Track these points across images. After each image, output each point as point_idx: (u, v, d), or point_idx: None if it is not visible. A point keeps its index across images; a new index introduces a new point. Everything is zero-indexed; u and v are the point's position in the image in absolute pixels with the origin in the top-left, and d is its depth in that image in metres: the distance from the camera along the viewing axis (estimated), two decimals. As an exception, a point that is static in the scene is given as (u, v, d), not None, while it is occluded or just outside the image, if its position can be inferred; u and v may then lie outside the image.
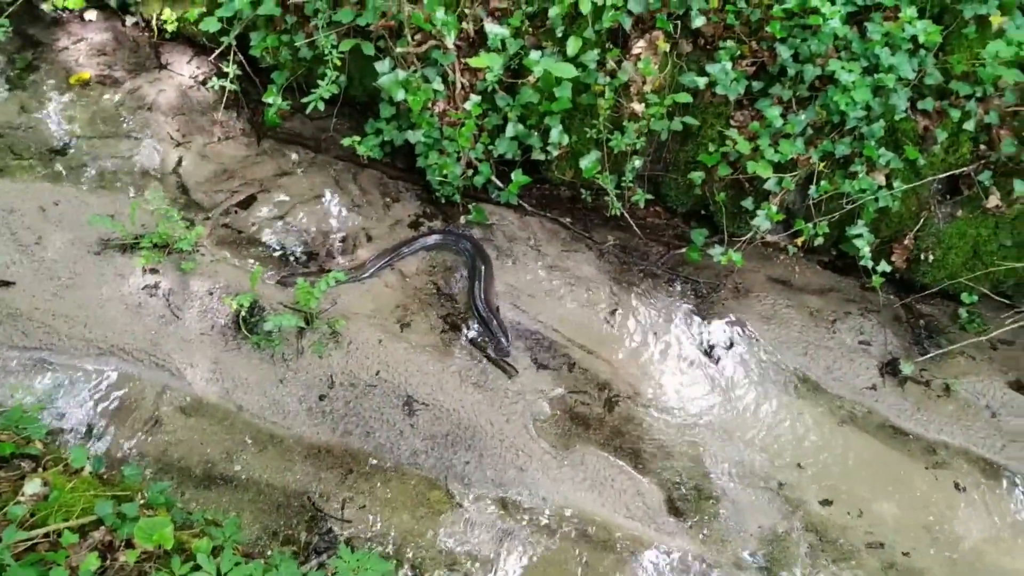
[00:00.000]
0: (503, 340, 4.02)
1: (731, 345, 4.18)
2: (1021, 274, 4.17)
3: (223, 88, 4.79)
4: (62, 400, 3.66)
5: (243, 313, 3.94)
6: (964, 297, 4.24)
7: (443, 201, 4.59)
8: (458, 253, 4.41)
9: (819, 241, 4.27)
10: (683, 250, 4.47)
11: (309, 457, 3.61)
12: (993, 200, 4.12)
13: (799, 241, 4.30)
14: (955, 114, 4.01)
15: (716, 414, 3.94)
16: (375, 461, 3.62)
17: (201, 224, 4.35)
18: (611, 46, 4.23)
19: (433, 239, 4.42)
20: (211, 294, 4.06)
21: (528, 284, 4.31)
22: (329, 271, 4.10)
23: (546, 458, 3.71)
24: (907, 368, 4.10)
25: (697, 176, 4.30)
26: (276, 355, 3.88)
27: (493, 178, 4.51)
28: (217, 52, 4.81)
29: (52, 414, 3.61)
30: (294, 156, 4.83)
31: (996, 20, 3.91)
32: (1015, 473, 3.87)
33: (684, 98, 4.09)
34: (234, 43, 4.74)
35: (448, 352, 4.01)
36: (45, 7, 5.41)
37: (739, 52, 4.15)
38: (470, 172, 4.47)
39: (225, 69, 4.76)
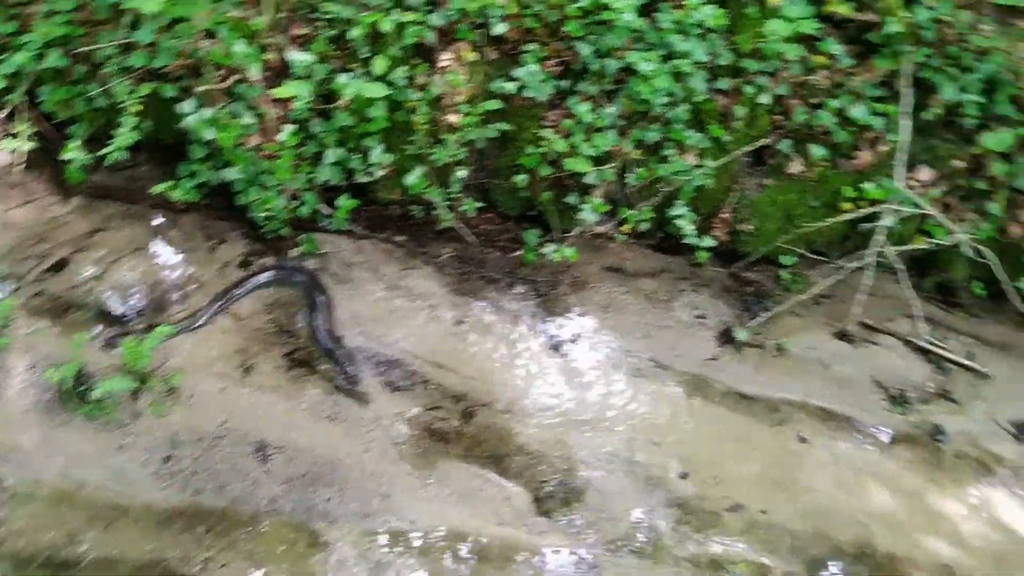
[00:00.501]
0: (351, 369, 3.95)
1: (576, 338, 4.27)
2: (830, 231, 4.44)
3: (15, 150, 4.49)
4: None
5: (68, 384, 3.70)
6: (783, 260, 4.50)
7: (271, 236, 4.48)
8: (294, 287, 4.31)
9: (645, 226, 4.43)
10: (519, 252, 4.53)
11: (161, 523, 3.44)
12: (795, 166, 4.39)
13: (626, 229, 4.44)
14: (749, 90, 4.25)
15: (571, 407, 4.01)
16: (232, 515, 3.48)
17: (11, 296, 4.06)
18: (419, 61, 4.24)
19: (265, 276, 4.30)
20: (32, 368, 3.80)
21: (370, 308, 4.26)
22: (158, 326, 3.91)
23: (410, 480, 3.67)
24: (741, 335, 4.31)
25: (521, 179, 4.37)
26: (111, 422, 3.68)
27: (320, 206, 4.43)
28: (6, 112, 4.51)
29: None
30: (107, 210, 4.59)
31: (773, 0, 4.16)
32: (850, 417, 4.13)
33: (494, 105, 4.15)
34: (25, 100, 4.46)
35: (297, 390, 3.91)
36: None
37: (543, 54, 4.24)
38: (295, 203, 4.38)
39: (16, 129, 4.46)
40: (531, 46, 4.22)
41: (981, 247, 4.19)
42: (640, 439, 3.93)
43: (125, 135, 4.22)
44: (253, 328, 4.12)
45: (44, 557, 3.31)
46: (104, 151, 4.23)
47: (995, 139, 4.29)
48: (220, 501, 3.50)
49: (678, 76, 4.14)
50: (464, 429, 3.88)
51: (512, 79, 4.21)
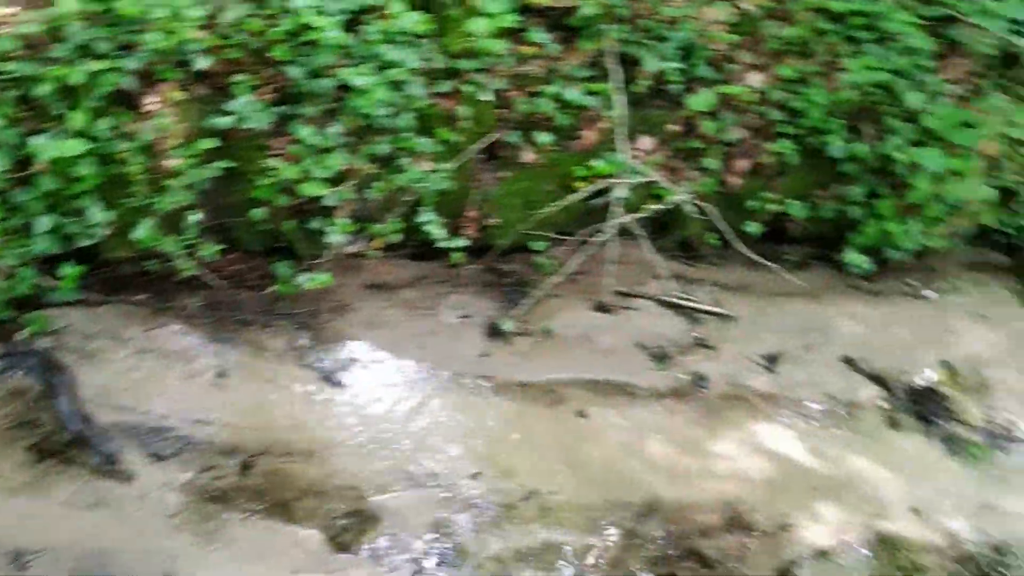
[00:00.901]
0: (106, 449, 3.67)
1: (348, 363, 4.19)
2: (571, 210, 4.61)
3: None
4: None
5: None
6: (534, 246, 4.63)
7: (-8, 323, 4.07)
8: (28, 373, 3.94)
9: (396, 238, 4.41)
10: (273, 288, 4.38)
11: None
12: (526, 155, 4.53)
13: (377, 244, 4.40)
14: (469, 89, 4.33)
15: (353, 435, 3.93)
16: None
17: None
18: (122, 109, 3.98)
19: (-9, 368, 3.91)
20: None
21: (119, 378, 3.96)
22: None
23: (193, 551, 3.46)
24: (507, 326, 4.41)
25: (259, 213, 4.22)
26: None
27: (41, 280, 4.06)
28: None
29: None
30: None
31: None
32: (620, 383, 4.32)
33: (212, 143, 3.98)
34: None
35: (49, 484, 3.58)
36: None
37: (255, 82, 4.10)
38: (10, 283, 3.98)
39: None
40: (241, 76, 4.06)
41: (701, 203, 4.51)
42: (427, 450, 3.92)
43: None
44: (-13, 427, 3.73)
45: None
46: None
47: (699, 100, 4.62)
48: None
49: (395, 86, 4.14)
50: (244, 483, 3.70)
51: (227, 113, 4.04)
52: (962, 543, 3.89)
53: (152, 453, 3.73)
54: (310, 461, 3.81)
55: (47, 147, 3.76)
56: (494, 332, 4.41)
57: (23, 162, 3.89)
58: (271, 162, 4.13)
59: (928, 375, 4.60)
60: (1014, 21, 5.05)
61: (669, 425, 4.22)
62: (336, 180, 4.21)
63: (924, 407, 4.44)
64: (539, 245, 4.62)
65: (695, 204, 4.49)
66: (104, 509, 3.52)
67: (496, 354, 4.33)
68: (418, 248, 4.68)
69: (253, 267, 4.52)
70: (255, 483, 3.70)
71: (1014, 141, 4.84)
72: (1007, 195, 5.05)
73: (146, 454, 3.72)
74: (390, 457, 3.87)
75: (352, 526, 3.63)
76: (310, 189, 4.11)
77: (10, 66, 3.88)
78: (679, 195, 4.47)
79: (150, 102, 4.06)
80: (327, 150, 4.16)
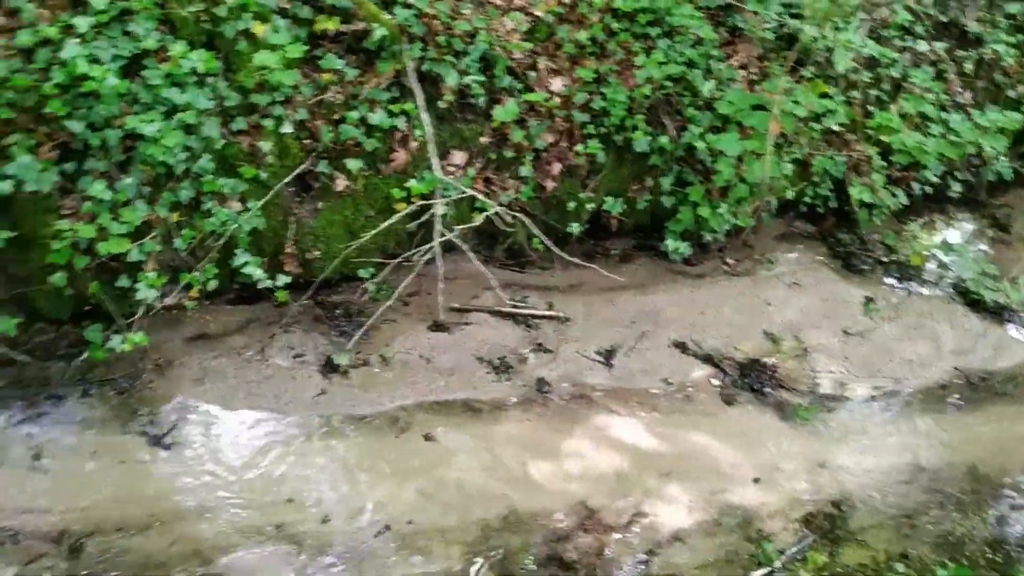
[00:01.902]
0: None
1: (175, 424, 3.98)
2: (395, 233, 4.57)
3: None
4: None
5: None
6: (362, 273, 4.55)
7: None
8: None
9: (214, 284, 4.21)
10: (86, 356, 4.10)
11: None
12: (341, 183, 4.44)
13: (194, 293, 4.20)
14: (268, 123, 4.20)
15: (191, 497, 3.73)
16: None
17: None
18: None
19: None
20: None
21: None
22: None
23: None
24: (343, 359, 4.30)
25: (58, 278, 3.93)
26: None
27: None
28: None
29: None
30: None
31: (259, 30, 4.13)
32: (465, 400, 4.31)
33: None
34: None
35: None
36: None
37: (34, 141, 3.83)
38: None
39: None
40: (16, 136, 3.78)
41: (516, 212, 4.56)
42: (271, 501, 3.77)
43: None
44: None
45: None
46: None
47: (505, 111, 4.67)
48: None
49: (188, 129, 3.96)
50: (75, 570, 3.44)
51: (5, 177, 3.75)
52: (803, 504, 4.10)
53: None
54: (147, 533, 3.58)
55: None
56: (330, 367, 4.30)
57: None
58: (63, 223, 3.87)
59: (752, 347, 4.82)
60: (786, 5, 5.38)
61: (518, 434, 4.23)
62: (139, 233, 4.00)
63: (753, 379, 4.65)
64: (365, 272, 4.54)
65: (510, 213, 4.53)
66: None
67: (334, 390, 4.22)
68: (240, 292, 4.51)
69: (62, 335, 4.22)
70: (88, 565, 3.45)
71: (801, 118, 5.15)
72: (803, 168, 5.38)
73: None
74: (233, 514, 3.69)
75: (204, 588, 3.45)
76: (110, 247, 3.89)
77: None
78: (493, 206, 4.50)
79: (-85, 175, 3.72)
80: (124, 203, 3.95)
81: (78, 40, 3.82)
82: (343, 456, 3.98)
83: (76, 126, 3.81)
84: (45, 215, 3.92)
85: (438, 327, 4.61)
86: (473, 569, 3.64)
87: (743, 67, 5.31)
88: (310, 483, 3.86)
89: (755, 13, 5.32)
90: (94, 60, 3.83)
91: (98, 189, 3.86)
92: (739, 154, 4.89)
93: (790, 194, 5.39)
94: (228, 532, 3.64)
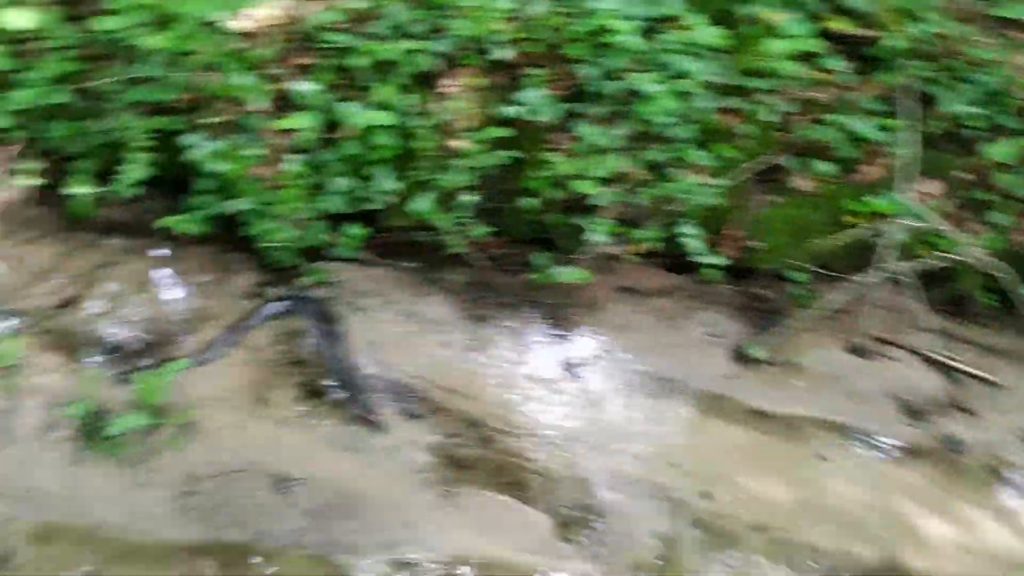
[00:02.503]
0: (366, 398, 3.94)
1: (590, 360, 4.26)
2: (839, 245, 4.45)
3: (21, 187, 4.48)
4: None
5: (83, 422, 3.68)
6: (794, 276, 4.50)
7: (280, 267, 4.46)
8: (306, 317, 4.30)
9: (655, 246, 4.42)
10: (531, 276, 4.52)
11: (183, 561, 3.41)
12: (803, 182, 4.41)
13: (636, 249, 4.44)
14: (754, 108, 4.28)
15: (588, 430, 4.00)
16: (256, 550, 3.45)
17: (21, 336, 4.04)
18: (422, 88, 4.25)
19: (276, 307, 4.29)
20: (46, 407, 3.77)
21: (383, 336, 4.24)
22: (171, 360, 3.90)
23: (431, 509, 3.65)
24: (755, 352, 4.32)
25: (530, 202, 4.37)
26: (129, 459, 3.65)
27: (328, 236, 4.43)
28: (11, 149, 4.50)
29: None
30: (115, 245, 4.56)
31: (773, 18, 4.20)
32: (867, 431, 4.13)
33: (501, 132, 4.16)
34: (31, 136, 4.45)
35: (313, 421, 3.89)
36: None
37: (548, 77, 4.26)
38: (302, 234, 4.37)
39: (23, 166, 4.45)
40: (535, 70, 4.23)
41: (995, 259, 4.21)
42: (659, 459, 3.92)
43: (132, 169, 4.22)
44: (266, 360, 4.10)
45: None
46: (111, 186, 4.23)
47: (999, 150, 4.32)
48: (243, 535, 3.48)
49: (683, 96, 4.16)
50: (484, 455, 3.86)
51: (517, 103, 4.22)
52: None
53: (404, 410, 3.97)
54: (547, 447, 3.91)
55: (357, 115, 4.09)
56: (740, 356, 4.34)
57: (331, 126, 4.27)
58: (550, 156, 4.27)
59: None
60: None
61: (914, 485, 3.98)
62: (609, 181, 4.29)
63: None
64: (800, 276, 4.48)
65: (987, 260, 4.20)
66: (358, 454, 3.79)
67: (741, 378, 4.26)
68: (674, 259, 4.67)
69: (514, 253, 4.68)
70: (494, 457, 3.85)
71: None
72: None
73: (399, 410, 3.96)
74: (622, 459, 3.90)
75: (579, 518, 3.70)
76: (583, 187, 4.21)
77: (334, 37, 4.26)
78: (967, 248, 4.19)
79: (448, 85, 4.31)
80: (605, 151, 4.25)
81: (613, -5, 4.17)
82: (735, 442, 4.02)
83: (588, 71, 4.16)
84: (537, 144, 4.35)
85: (856, 351, 4.45)
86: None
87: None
88: (697, 455, 3.95)
89: None
90: (621, 16, 4.14)
91: (589, 132, 4.20)
92: None
93: None
94: (614, 473, 3.86)
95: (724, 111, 4.32)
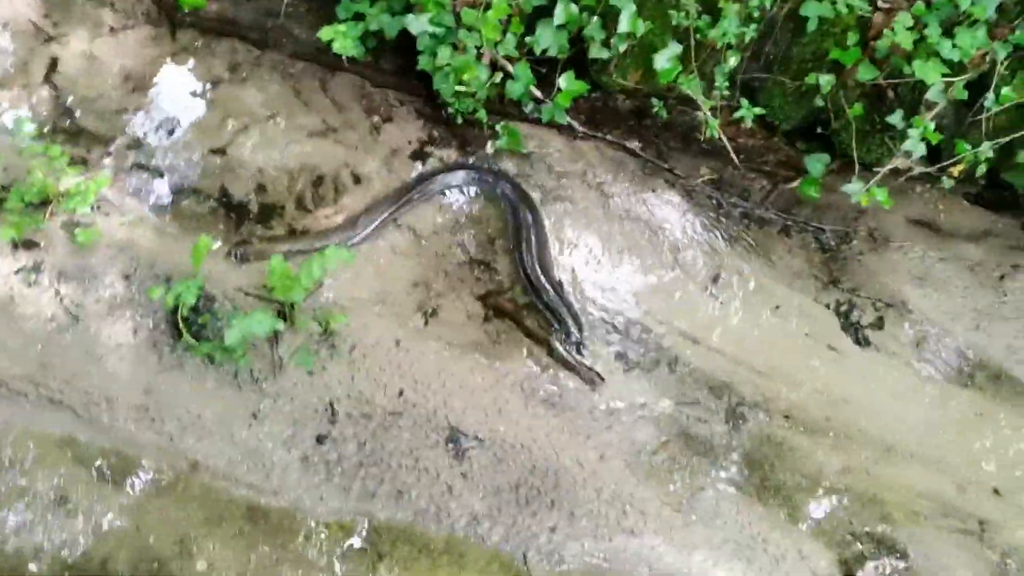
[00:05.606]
0: (575, 329, 2.75)
1: (880, 322, 3.02)
2: None
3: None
4: None
5: (184, 311, 2.52)
6: None
7: (458, 121, 3.19)
8: (492, 199, 3.06)
9: (980, 169, 3.10)
10: (795, 184, 3.24)
11: (313, 539, 2.32)
12: None
13: (957, 171, 3.12)
14: None
15: (888, 425, 2.80)
16: (416, 536, 2.36)
17: (102, 168, 2.85)
18: None
19: (456, 177, 3.04)
20: (127, 279, 2.62)
21: (592, 242, 3.01)
22: (301, 231, 2.73)
23: (665, 511, 2.53)
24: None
25: (825, 80, 3.04)
26: (241, 374, 2.52)
27: (532, 87, 3.13)
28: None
29: None
30: (230, 55, 3.30)
31: None
32: None
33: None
34: None
35: (500, 353, 2.73)
36: None
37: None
38: (498, 77, 3.07)
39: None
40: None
41: None
42: (976, 481, 2.74)
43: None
44: (435, 253, 2.90)
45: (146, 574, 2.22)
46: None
47: None
48: (400, 512, 2.40)
49: None
50: (732, 439, 2.70)
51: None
52: None
53: (622, 356, 2.79)
54: (822, 441, 2.74)
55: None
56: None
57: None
58: (877, 16, 2.91)
59: None
60: None
61: None
62: (954, 68, 2.94)
63: None
64: None
65: None
66: (564, 413, 2.64)
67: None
68: (989, 190, 3.36)
69: (770, 148, 3.38)
70: (746, 445, 2.69)
71: None
72: None
73: (616, 353, 2.78)
74: (929, 473, 2.74)
75: (871, 552, 2.57)
76: (922, 70, 2.88)
77: None
78: None
79: None
80: (966, 21, 2.89)
81: None
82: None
83: None
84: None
85: None
86: None
87: None
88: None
89: None
90: None
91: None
92: None
93: None
94: (918, 496, 2.70)
95: None
